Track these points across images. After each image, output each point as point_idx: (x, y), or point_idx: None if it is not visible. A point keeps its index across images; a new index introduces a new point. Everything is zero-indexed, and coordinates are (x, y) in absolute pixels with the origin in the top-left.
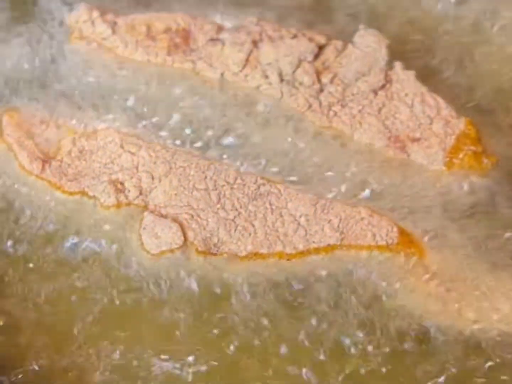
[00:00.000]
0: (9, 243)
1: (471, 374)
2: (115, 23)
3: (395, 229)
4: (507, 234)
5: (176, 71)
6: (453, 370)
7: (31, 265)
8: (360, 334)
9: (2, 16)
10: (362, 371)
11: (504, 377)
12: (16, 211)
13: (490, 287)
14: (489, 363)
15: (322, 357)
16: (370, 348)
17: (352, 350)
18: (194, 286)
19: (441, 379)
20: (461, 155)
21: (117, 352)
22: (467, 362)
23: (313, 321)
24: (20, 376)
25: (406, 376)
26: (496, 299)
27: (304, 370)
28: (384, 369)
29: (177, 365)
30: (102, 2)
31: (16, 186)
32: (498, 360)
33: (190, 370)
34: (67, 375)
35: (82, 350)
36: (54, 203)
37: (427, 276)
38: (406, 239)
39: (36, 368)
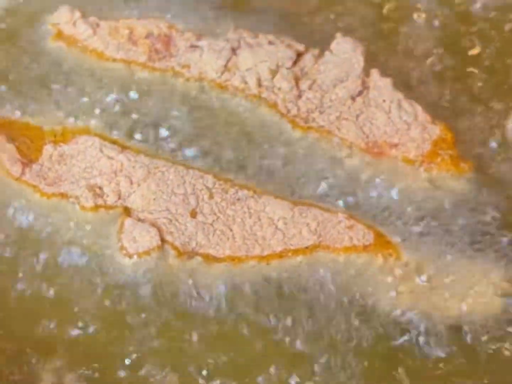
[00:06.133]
0: None
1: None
2: (97, 25)
3: (371, 231)
4: (482, 228)
5: (155, 76)
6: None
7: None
8: (344, 335)
9: None
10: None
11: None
12: None
13: (470, 275)
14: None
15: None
16: (353, 346)
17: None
18: (172, 289)
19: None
20: (438, 160)
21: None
22: (459, 347)
23: (292, 323)
24: None
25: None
26: (478, 284)
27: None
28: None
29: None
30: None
31: None
32: (485, 338)
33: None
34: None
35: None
36: (33, 206)
37: (407, 274)
38: (382, 240)
39: None
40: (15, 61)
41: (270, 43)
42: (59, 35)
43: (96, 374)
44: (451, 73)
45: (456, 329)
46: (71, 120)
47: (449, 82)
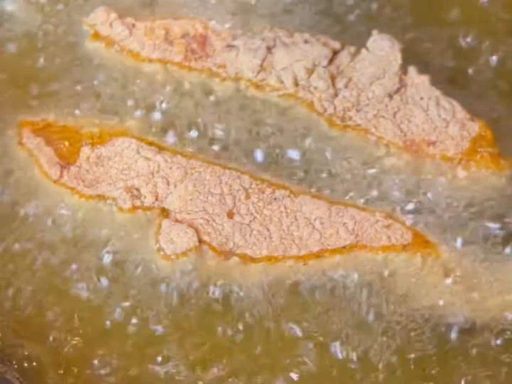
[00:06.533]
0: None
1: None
2: (133, 25)
3: (409, 230)
4: None
5: (191, 76)
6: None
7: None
8: (384, 338)
9: None
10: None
11: None
12: (36, 216)
13: (509, 278)
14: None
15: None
16: (393, 344)
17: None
18: (209, 289)
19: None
20: (477, 157)
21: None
22: (493, 348)
23: (331, 324)
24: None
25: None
26: None
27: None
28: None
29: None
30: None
31: (36, 191)
32: None
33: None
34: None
35: None
36: (72, 208)
37: (445, 274)
38: (421, 240)
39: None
40: (54, 62)
41: (305, 41)
42: (96, 36)
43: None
44: (491, 70)
45: (495, 327)
46: (108, 121)
47: (488, 78)
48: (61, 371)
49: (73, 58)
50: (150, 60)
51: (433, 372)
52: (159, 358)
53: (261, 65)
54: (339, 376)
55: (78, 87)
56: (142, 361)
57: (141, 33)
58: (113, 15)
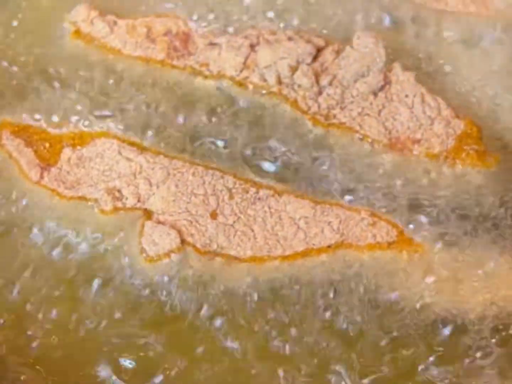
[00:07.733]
0: None
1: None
2: (115, 22)
3: (394, 228)
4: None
5: (173, 74)
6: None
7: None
8: (370, 332)
9: None
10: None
11: None
12: (15, 218)
13: (496, 268)
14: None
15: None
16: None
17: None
18: (193, 291)
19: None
20: (463, 155)
21: None
22: (486, 341)
23: (315, 321)
24: None
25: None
26: (504, 277)
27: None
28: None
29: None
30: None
31: (15, 193)
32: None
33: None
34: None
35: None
36: (52, 209)
37: (431, 270)
38: (406, 237)
39: None
40: (36, 60)
41: (289, 39)
42: (78, 33)
43: None
44: None
45: (481, 322)
46: (89, 122)
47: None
48: None
49: (55, 55)
50: (132, 58)
51: (423, 368)
52: None
53: (244, 63)
54: None
55: (59, 86)
56: None
57: (122, 30)
58: (94, 13)
